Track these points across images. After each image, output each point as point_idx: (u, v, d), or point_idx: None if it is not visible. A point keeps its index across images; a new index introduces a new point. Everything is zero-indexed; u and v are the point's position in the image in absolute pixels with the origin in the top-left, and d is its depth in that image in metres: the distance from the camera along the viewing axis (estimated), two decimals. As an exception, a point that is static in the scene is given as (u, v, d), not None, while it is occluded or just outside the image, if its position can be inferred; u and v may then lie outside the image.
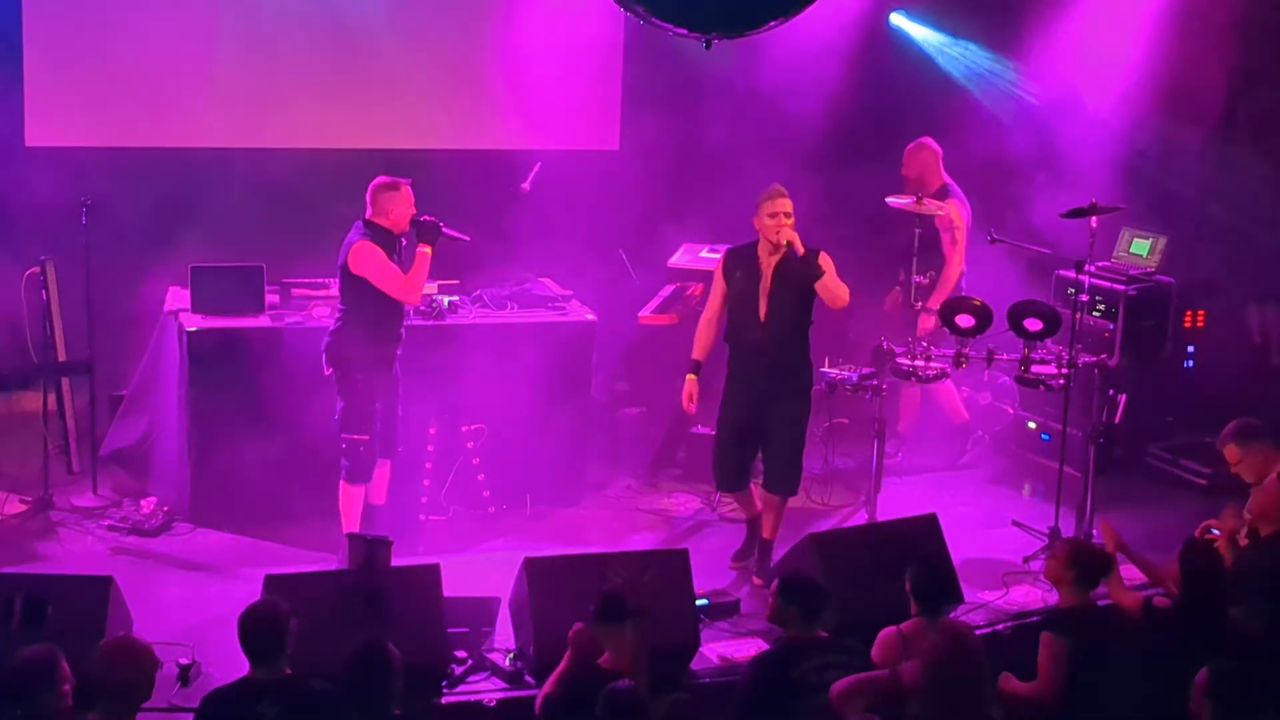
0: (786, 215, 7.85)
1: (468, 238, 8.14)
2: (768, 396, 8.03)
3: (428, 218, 7.93)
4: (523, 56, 10.06)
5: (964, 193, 9.62)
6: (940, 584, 6.36)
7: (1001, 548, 8.47)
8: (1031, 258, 9.45)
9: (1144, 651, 6.29)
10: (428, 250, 7.88)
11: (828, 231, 9.70)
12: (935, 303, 9.11)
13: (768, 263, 7.96)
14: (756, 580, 8.06)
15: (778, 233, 7.82)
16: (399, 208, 7.87)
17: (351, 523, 7.97)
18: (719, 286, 8.16)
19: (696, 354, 8.20)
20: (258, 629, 5.73)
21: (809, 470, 9.36)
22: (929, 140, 9.66)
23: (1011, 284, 9.49)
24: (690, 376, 8.15)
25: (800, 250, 7.81)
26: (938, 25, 11.16)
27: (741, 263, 8.05)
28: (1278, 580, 6.53)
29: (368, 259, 7.77)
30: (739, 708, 6.09)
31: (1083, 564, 6.38)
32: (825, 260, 7.91)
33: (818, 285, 7.88)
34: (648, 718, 5.44)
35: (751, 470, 8.30)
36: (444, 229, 7.96)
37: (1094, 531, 8.58)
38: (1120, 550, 6.92)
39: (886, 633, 6.25)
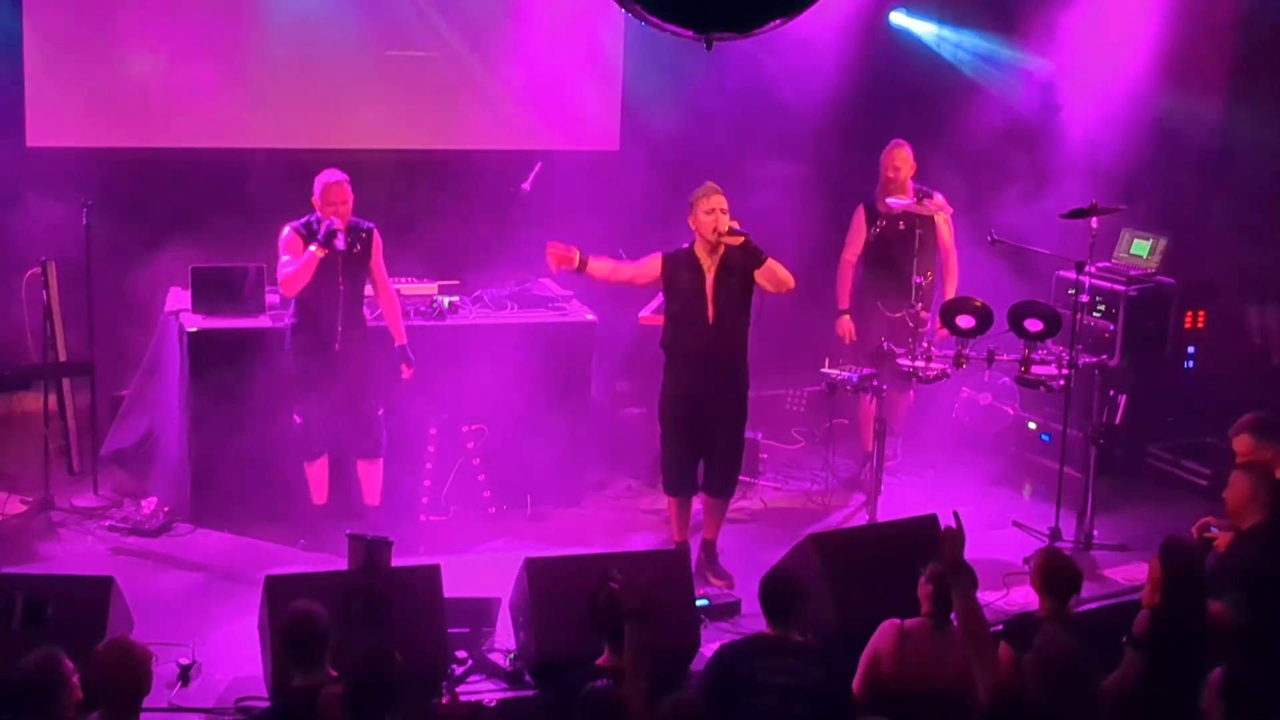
0: (723, 211, 7.80)
1: (342, 247, 7.99)
2: (712, 400, 7.96)
3: (333, 221, 7.96)
4: (523, 57, 10.06)
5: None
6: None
7: (1002, 548, 8.45)
8: (1031, 258, 9.44)
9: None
10: (315, 250, 7.96)
11: (828, 231, 9.73)
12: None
13: (709, 263, 7.89)
14: (717, 581, 8.02)
15: (716, 225, 7.76)
16: (319, 202, 8.05)
17: (316, 495, 8.42)
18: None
19: None
20: (303, 637, 5.66)
21: (811, 470, 9.39)
22: (904, 141, 9.55)
23: (1009, 284, 9.48)
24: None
25: (742, 234, 7.72)
26: (939, 22, 11.15)
27: (682, 267, 7.94)
28: (1258, 572, 6.51)
29: (279, 241, 8.10)
30: (697, 691, 6.07)
31: (1049, 578, 6.20)
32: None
33: (760, 272, 7.79)
34: (627, 717, 5.43)
35: (696, 474, 8.17)
36: (323, 231, 7.93)
37: (1094, 533, 8.60)
38: None
39: (889, 623, 6.16)
